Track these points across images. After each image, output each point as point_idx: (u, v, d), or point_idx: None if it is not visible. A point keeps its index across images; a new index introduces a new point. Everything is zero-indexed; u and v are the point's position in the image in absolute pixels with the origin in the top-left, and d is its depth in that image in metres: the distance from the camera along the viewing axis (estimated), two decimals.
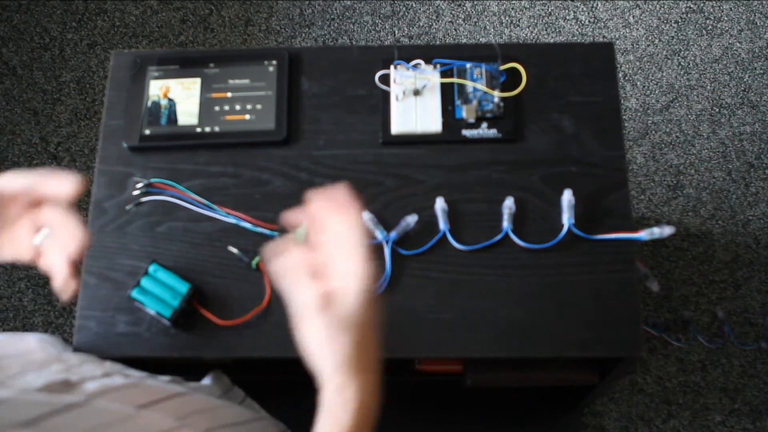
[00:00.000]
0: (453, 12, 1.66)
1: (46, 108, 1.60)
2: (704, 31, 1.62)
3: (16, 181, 0.58)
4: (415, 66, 0.83)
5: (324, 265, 0.51)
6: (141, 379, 0.65)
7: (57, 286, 0.59)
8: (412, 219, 0.78)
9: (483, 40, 1.63)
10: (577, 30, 1.64)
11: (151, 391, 0.62)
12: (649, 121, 1.55)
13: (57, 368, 0.60)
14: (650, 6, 1.65)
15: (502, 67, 0.83)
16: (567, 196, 0.78)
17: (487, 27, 1.64)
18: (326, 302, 0.49)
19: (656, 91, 1.58)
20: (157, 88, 0.84)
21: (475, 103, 0.82)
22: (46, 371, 0.58)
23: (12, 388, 0.52)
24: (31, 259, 0.61)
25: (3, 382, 0.53)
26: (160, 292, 0.75)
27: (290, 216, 0.53)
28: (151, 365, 0.74)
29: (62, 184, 0.57)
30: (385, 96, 0.83)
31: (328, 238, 0.51)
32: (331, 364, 0.49)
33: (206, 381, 0.80)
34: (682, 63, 1.60)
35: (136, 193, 0.81)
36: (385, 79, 0.83)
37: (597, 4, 1.65)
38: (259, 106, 0.83)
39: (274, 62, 0.85)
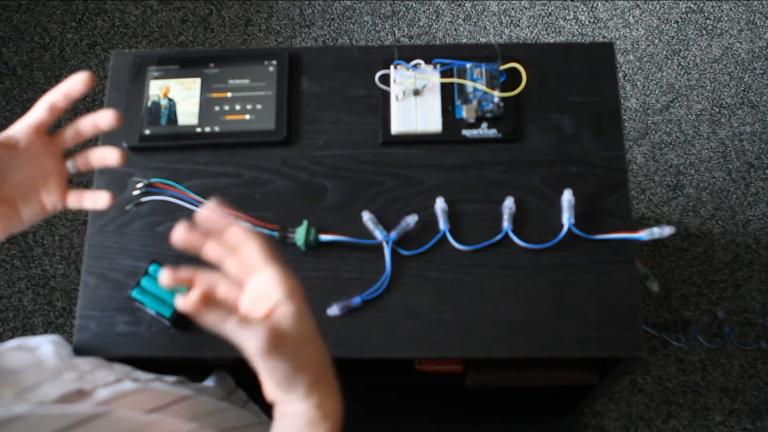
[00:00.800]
0: (453, 12, 1.66)
1: None
2: (704, 31, 1.63)
3: (22, 125, 0.59)
4: (415, 66, 0.83)
5: (253, 297, 0.49)
6: (150, 383, 0.65)
7: (112, 159, 0.60)
8: (412, 219, 0.78)
9: (483, 40, 1.63)
10: (577, 30, 1.64)
11: (161, 396, 0.62)
12: (649, 121, 1.55)
13: (70, 377, 0.60)
14: (650, 6, 1.65)
15: (502, 67, 0.83)
16: (567, 196, 0.78)
17: (487, 27, 1.64)
18: (278, 338, 0.46)
19: (656, 91, 1.58)
20: (157, 88, 0.84)
21: (475, 103, 0.82)
22: (59, 381, 0.58)
23: (29, 401, 0.52)
24: (60, 200, 0.61)
25: (20, 394, 0.54)
26: (160, 292, 0.75)
27: (182, 272, 0.49)
28: (154, 365, 0.74)
29: (69, 83, 0.59)
30: (385, 96, 0.83)
31: (245, 266, 0.49)
32: (304, 389, 0.48)
33: (210, 382, 0.80)
34: (682, 63, 1.60)
35: (136, 193, 0.81)
36: (385, 79, 0.83)
37: (597, 4, 1.65)
38: (259, 106, 0.83)
39: (274, 62, 0.85)
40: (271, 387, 0.49)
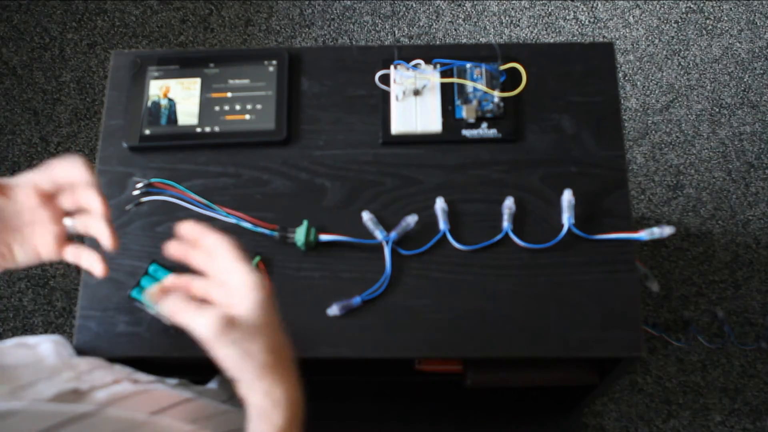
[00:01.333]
0: (453, 12, 1.66)
1: (46, 108, 1.60)
2: (704, 31, 1.63)
3: (24, 181, 0.59)
4: (415, 66, 0.83)
5: (211, 287, 0.53)
6: (150, 385, 0.65)
7: (106, 243, 0.59)
8: (412, 219, 0.78)
9: (483, 40, 1.63)
10: (577, 30, 1.64)
11: (160, 398, 0.62)
12: (649, 121, 1.55)
13: (67, 376, 0.60)
14: (650, 6, 1.65)
15: (502, 67, 0.83)
16: (567, 196, 0.78)
17: (487, 27, 1.64)
18: (229, 321, 0.50)
19: (656, 91, 1.58)
20: (157, 88, 0.84)
21: (475, 103, 0.82)
22: (56, 379, 0.58)
23: (24, 399, 0.52)
24: (56, 251, 0.61)
25: (15, 392, 0.54)
26: None
27: (172, 250, 0.55)
28: (157, 367, 0.74)
29: (71, 168, 0.59)
30: (385, 96, 0.83)
31: (220, 269, 0.53)
32: (252, 375, 0.51)
33: (212, 385, 0.80)
34: (682, 63, 1.60)
35: (136, 193, 0.81)
36: (385, 79, 0.83)
37: (597, 4, 1.65)
38: (259, 106, 0.83)
39: (274, 62, 0.85)
40: (227, 372, 0.52)
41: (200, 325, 0.50)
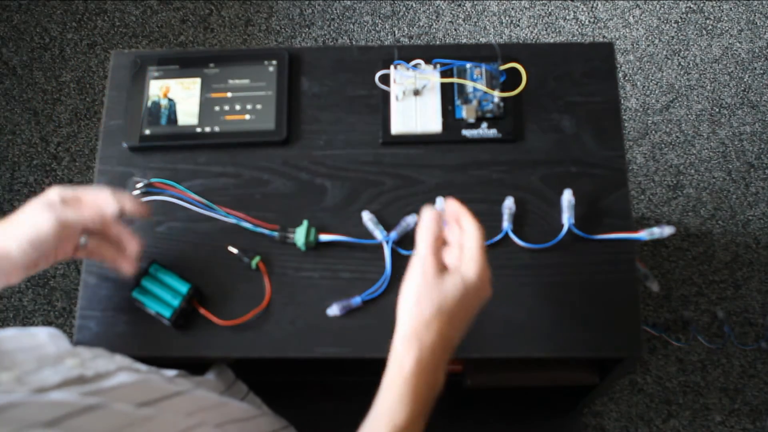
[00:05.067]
0: (453, 12, 1.66)
1: (46, 108, 1.60)
2: (704, 31, 1.63)
3: (81, 218, 0.66)
4: (415, 66, 0.83)
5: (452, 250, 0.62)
6: (149, 374, 0.65)
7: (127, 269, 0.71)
8: (412, 219, 0.78)
9: (483, 40, 1.63)
10: (577, 30, 1.64)
11: (160, 388, 0.62)
12: (649, 121, 1.55)
13: (72, 363, 0.60)
14: (650, 6, 1.65)
15: (502, 67, 0.83)
16: (567, 196, 0.78)
17: (487, 27, 1.65)
18: (438, 272, 0.60)
19: (656, 91, 1.58)
20: (157, 88, 0.84)
21: (475, 103, 0.82)
22: (61, 367, 0.59)
23: (30, 384, 0.53)
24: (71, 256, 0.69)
25: (20, 378, 0.54)
26: (160, 292, 0.75)
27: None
28: (154, 359, 0.74)
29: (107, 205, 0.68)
30: (385, 96, 0.83)
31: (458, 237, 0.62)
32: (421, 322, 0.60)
33: (210, 375, 0.80)
34: (682, 63, 1.60)
35: (136, 193, 0.81)
36: (385, 79, 0.83)
37: (597, 4, 1.65)
38: (259, 106, 0.83)
39: (274, 62, 0.85)
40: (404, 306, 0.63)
41: (421, 254, 0.61)
